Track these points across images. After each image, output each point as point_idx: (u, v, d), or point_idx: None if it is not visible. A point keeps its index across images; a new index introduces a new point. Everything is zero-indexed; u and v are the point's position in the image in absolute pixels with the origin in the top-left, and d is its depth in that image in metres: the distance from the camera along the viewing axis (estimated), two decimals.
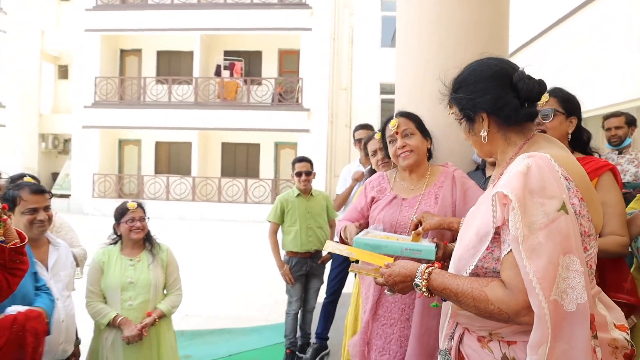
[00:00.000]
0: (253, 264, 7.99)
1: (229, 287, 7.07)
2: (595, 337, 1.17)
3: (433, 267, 1.34)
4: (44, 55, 18.67)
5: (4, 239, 1.40)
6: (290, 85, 16.47)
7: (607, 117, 4.07)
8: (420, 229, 1.85)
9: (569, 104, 2.18)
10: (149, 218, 2.96)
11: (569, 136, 2.20)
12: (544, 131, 2.15)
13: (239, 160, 17.92)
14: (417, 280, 1.34)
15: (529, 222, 1.14)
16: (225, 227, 14.11)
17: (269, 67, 17.51)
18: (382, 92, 17.79)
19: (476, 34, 3.16)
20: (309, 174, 3.97)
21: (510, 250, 1.17)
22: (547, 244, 1.12)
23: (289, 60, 17.55)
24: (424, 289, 1.32)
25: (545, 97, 2.15)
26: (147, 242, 2.96)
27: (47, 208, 2.42)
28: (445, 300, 1.37)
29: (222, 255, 9.45)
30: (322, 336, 4.08)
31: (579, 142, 2.21)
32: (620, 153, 3.89)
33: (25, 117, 17.92)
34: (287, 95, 16.29)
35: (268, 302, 6.11)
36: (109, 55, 17.46)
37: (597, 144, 2.36)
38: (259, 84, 16.56)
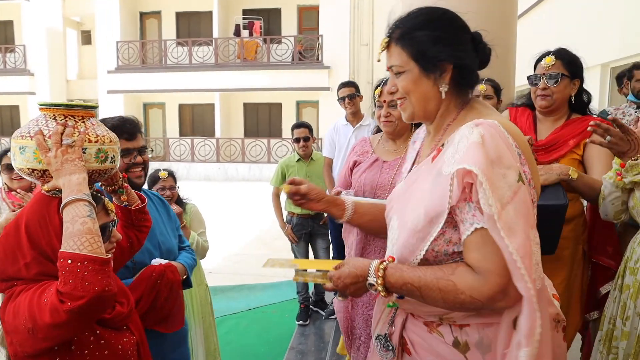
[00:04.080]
0: (275, 223, 8.19)
1: (250, 245, 7.31)
2: None
3: (387, 262, 1.16)
4: (66, 21, 18.84)
5: (127, 203, 1.53)
6: (310, 42, 16.23)
7: (638, 67, 3.70)
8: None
9: (573, 67, 2.13)
10: (179, 187, 3.05)
11: (573, 99, 2.16)
12: (547, 95, 2.12)
13: (262, 120, 18.00)
14: (371, 279, 1.16)
15: (499, 195, 1.02)
16: (249, 186, 14.37)
17: (289, 25, 17.23)
18: None
19: None
20: (307, 139, 4.04)
21: (474, 230, 1.05)
22: (517, 218, 1.02)
23: (308, 16, 17.21)
24: (380, 288, 1.15)
25: (551, 59, 2.10)
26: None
27: None
28: (402, 298, 1.19)
29: (245, 215, 9.71)
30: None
31: (579, 103, 2.18)
32: (638, 107, 3.69)
33: (54, 83, 18.31)
34: (307, 53, 16.09)
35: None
36: (129, 19, 17.49)
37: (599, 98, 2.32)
38: (279, 42, 16.37)
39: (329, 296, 4.39)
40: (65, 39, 18.90)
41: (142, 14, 18.10)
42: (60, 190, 1.21)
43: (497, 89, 2.85)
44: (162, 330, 1.78)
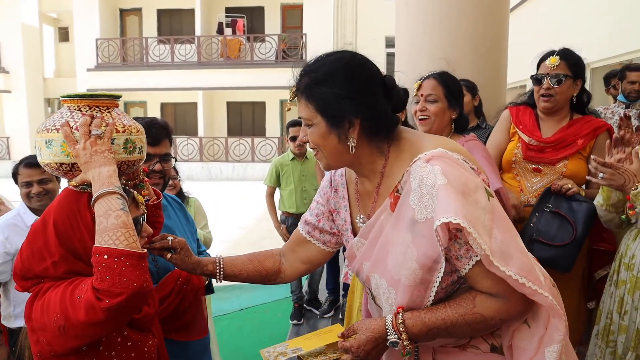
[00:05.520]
0: (263, 223, 8.17)
1: (239, 245, 7.26)
2: None
3: (401, 314, 1.12)
4: (42, 17, 18.41)
5: (148, 198, 1.47)
6: (293, 41, 16.19)
7: (630, 68, 3.69)
8: None
9: (576, 67, 2.17)
10: (180, 178, 3.07)
11: (574, 99, 2.21)
12: (551, 95, 2.15)
13: (245, 119, 17.90)
14: (393, 337, 1.11)
15: (483, 229, 1.02)
16: (233, 186, 14.28)
17: (272, 23, 17.16)
18: (387, 46, 17.41)
19: None
20: None
21: (476, 262, 1.05)
22: (505, 237, 1.04)
23: (292, 15, 17.17)
24: (406, 343, 1.10)
25: (555, 60, 2.13)
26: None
27: (42, 181, 2.28)
28: (417, 343, 1.16)
29: (232, 214, 9.64)
30: (334, 290, 4.24)
31: (579, 103, 2.23)
32: (627, 107, 3.76)
33: (30, 82, 17.86)
34: (291, 51, 16.04)
35: None
36: (109, 16, 17.18)
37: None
38: (262, 40, 16.28)
39: (322, 295, 4.39)
40: (41, 35, 18.47)
41: (122, 11, 17.80)
42: (88, 185, 1.16)
43: (469, 87, 2.86)
44: (181, 338, 1.70)
